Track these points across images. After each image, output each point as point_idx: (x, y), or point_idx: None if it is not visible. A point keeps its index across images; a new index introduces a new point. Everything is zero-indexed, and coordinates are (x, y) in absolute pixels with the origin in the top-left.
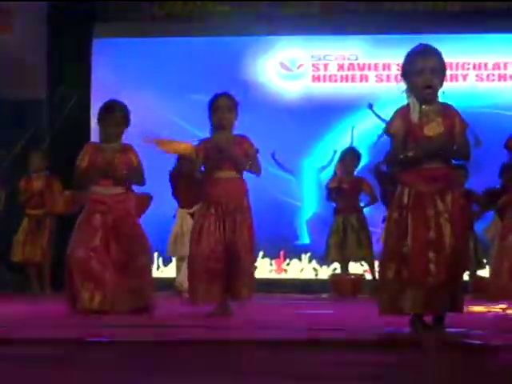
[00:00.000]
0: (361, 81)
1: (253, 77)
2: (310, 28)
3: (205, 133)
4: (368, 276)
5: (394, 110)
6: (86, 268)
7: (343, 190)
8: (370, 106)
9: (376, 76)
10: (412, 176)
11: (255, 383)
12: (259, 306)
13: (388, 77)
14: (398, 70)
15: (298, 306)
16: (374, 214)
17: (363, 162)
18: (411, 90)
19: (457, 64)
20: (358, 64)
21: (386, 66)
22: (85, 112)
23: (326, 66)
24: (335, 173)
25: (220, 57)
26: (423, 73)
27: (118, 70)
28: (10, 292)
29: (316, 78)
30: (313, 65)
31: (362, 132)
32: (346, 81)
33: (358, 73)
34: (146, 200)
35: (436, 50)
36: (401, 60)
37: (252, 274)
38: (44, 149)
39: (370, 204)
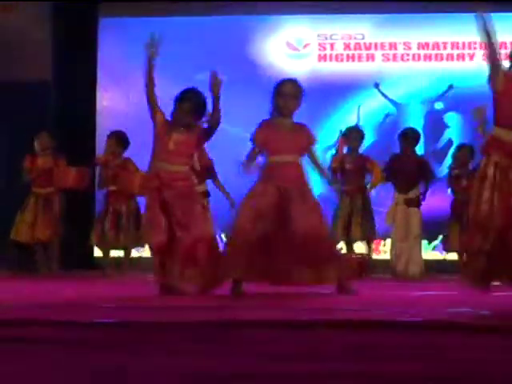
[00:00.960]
0: (367, 60)
1: (259, 56)
2: (317, 7)
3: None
4: (374, 256)
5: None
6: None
7: (347, 169)
8: (377, 86)
9: (382, 55)
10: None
11: (253, 363)
12: (261, 286)
13: (394, 56)
14: (405, 49)
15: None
16: (381, 193)
17: (369, 141)
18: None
19: (463, 43)
20: (365, 43)
21: (393, 46)
22: (91, 91)
23: (332, 45)
24: (336, 151)
25: (226, 36)
26: None
27: (123, 49)
28: (17, 272)
29: (322, 58)
30: (319, 44)
31: (369, 111)
32: (353, 60)
33: (364, 52)
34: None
35: None
36: (407, 39)
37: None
38: (47, 130)
39: (376, 184)
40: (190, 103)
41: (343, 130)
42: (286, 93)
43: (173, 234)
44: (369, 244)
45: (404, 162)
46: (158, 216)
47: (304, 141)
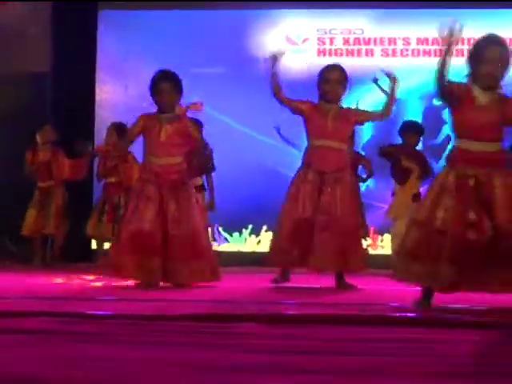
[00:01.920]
0: (366, 55)
1: (257, 51)
2: (316, 1)
3: (207, 104)
4: (371, 251)
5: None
6: (140, 239)
7: None
8: (376, 81)
9: (382, 50)
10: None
11: (253, 357)
12: (260, 279)
13: (394, 51)
14: (404, 44)
15: (300, 279)
16: (380, 189)
17: (367, 136)
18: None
19: (462, 39)
20: (364, 38)
21: (392, 41)
22: (90, 84)
23: (331, 39)
24: None
25: (224, 30)
26: (488, 62)
27: (122, 43)
28: (16, 264)
29: (321, 52)
30: (318, 39)
31: (367, 107)
32: (352, 55)
33: (363, 47)
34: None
35: (503, 40)
36: (406, 34)
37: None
38: (46, 122)
39: (366, 180)
40: (168, 82)
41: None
42: (332, 79)
43: (164, 233)
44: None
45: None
46: (146, 207)
47: (349, 128)
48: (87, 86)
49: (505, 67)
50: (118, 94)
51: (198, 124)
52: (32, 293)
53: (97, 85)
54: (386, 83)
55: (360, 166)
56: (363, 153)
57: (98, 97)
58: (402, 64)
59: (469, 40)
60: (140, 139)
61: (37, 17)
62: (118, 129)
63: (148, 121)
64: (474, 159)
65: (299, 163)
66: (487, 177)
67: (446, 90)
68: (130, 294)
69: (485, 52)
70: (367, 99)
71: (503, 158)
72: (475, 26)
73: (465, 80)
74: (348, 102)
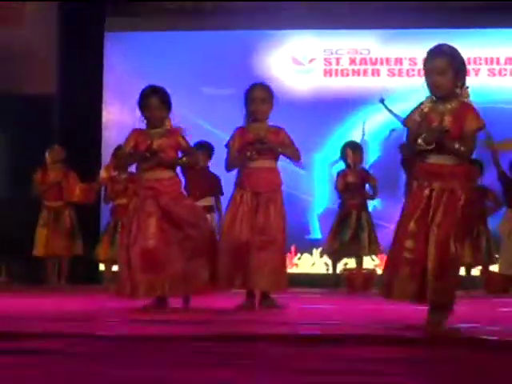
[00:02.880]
0: (373, 75)
1: (265, 71)
2: (322, 22)
3: (215, 126)
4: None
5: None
6: (147, 257)
7: (352, 184)
8: (382, 101)
9: (388, 70)
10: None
11: (266, 378)
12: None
13: (400, 71)
14: (410, 64)
15: (310, 300)
16: (387, 209)
17: (374, 157)
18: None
19: (468, 59)
20: (370, 58)
21: (398, 61)
22: (97, 106)
23: (338, 60)
24: (349, 166)
25: (232, 51)
26: (431, 73)
27: (129, 64)
28: (28, 285)
29: (328, 72)
30: (325, 59)
31: (374, 126)
32: (358, 75)
33: (370, 67)
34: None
35: (445, 49)
36: (413, 54)
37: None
38: (53, 143)
39: (373, 197)
40: (157, 97)
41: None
42: (256, 97)
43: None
44: (360, 260)
45: None
46: (149, 224)
47: (281, 142)
48: (94, 108)
49: (454, 75)
50: (124, 115)
51: (209, 148)
52: (46, 314)
53: (104, 106)
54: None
55: (367, 185)
56: (371, 171)
57: (104, 118)
58: (408, 84)
59: (475, 59)
60: None
61: (45, 39)
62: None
63: (139, 136)
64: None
65: (308, 184)
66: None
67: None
68: (141, 316)
69: (427, 63)
70: (373, 119)
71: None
72: (479, 44)
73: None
74: (354, 122)
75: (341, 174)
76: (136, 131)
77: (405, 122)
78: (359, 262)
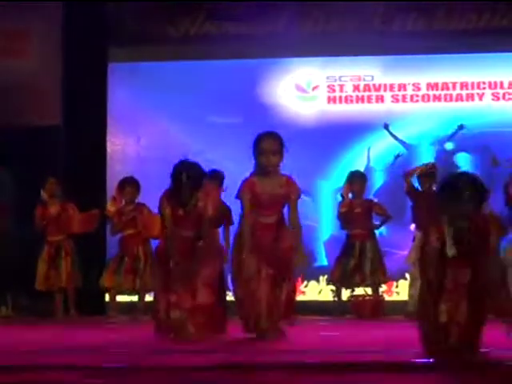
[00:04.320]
0: (377, 101)
1: (268, 98)
2: (325, 49)
3: (221, 155)
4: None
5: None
6: None
7: (356, 214)
8: (386, 127)
9: (392, 96)
10: None
11: None
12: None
13: (404, 97)
14: (414, 90)
15: (318, 328)
16: (393, 235)
17: (379, 183)
18: None
19: (472, 83)
20: (374, 85)
21: (402, 87)
22: (101, 137)
23: (341, 86)
24: (342, 197)
25: (235, 79)
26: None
27: (133, 94)
28: (34, 318)
29: (331, 99)
30: (328, 86)
31: (379, 153)
32: (362, 102)
33: (373, 93)
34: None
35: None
36: (417, 80)
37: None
38: (58, 175)
39: (385, 223)
40: (188, 175)
41: (348, 173)
42: (266, 150)
43: None
44: (375, 287)
45: None
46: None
47: (287, 197)
48: (99, 139)
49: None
50: (129, 146)
51: (220, 177)
52: (57, 347)
53: (108, 137)
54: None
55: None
56: (376, 199)
57: (109, 149)
58: (412, 109)
59: (478, 84)
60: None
61: (49, 71)
62: (137, 185)
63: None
64: None
65: (313, 211)
66: None
67: None
68: (147, 345)
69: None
70: (378, 145)
71: None
72: (482, 69)
73: None
74: (359, 148)
75: (341, 204)
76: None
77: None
78: (368, 290)
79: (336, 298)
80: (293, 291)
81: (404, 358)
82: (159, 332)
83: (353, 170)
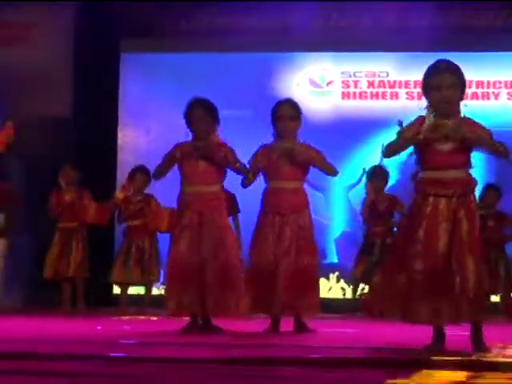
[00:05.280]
0: (391, 98)
1: (282, 93)
2: (340, 44)
3: (233, 147)
4: None
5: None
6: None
7: (378, 211)
8: (400, 124)
9: (407, 93)
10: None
11: None
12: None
13: (419, 94)
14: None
15: (328, 325)
16: None
17: (392, 180)
18: (430, 104)
19: (488, 82)
20: (389, 81)
21: (417, 84)
22: (112, 128)
23: (355, 82)
24: (367, 194)
25: (249, 73)
26: (439, 88)
27: (144, 86)
28: (43, 309)
29: (346, 95)
30: (342, 81)
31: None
32: (377, 98)
33: (388, 90)
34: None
35: (453, 65)
36: None
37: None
38: (74, 162)
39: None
40: (202, 109)
41: (366, 168)
42: (284, 115)
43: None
44: None
45: None
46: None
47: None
48: (109, 130)
49: (461, 91)
50: (140, 138)
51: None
52: (66, 337)
53: (119, 128)
54: None
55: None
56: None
57: (120, 140)
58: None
59: (494, 83)
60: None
61: (60, 61)
62: (147, 173)
63: (184, 148)
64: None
65: (325, 208)
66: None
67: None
68: (158, 337)
69: (433, 79)
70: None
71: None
72: (498, 67)
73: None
74: (372, 145)
75: (366, 202)
76: (180, 144)
77: (402, 130)
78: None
79: (352, 296)
80: None
81: (414, 356)
82: None
83: (372, 165)
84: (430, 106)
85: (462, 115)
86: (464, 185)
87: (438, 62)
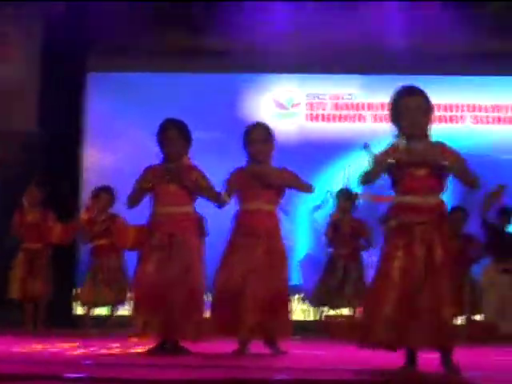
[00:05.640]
0: (356, 120)
1: (248, 115)
2: (306, 67)
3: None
4: None
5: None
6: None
7: (343, 233)
8: (366, 146)
9: (372, 116)
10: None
11: None
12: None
13: (385, 116)
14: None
15: (295, 346)
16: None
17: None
18: (399, 129)
19: (451, 105)
20: (354, 103)
21: (382, 106)
22: (77, 148)
23: (321, 104)
24: (330, 216)
25: (215, 94)
26: (407, 112)
27: (112, 106)
28: (4, 329)
29: (311, 117)
30: (308, 103)
31: (358, 172)
32: (342, 120)
33: (354, 112)
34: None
35: (420, 89)
36: None
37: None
38: (39, 182)
39: (366, 249)
40: (176, 130)
41: (331, 190)
42: (256, 139)
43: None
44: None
45: None
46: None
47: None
48: (74, 149)
49: (424, 114)
50: (106, 157)
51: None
52: (27, 358)
53: (84, 147)
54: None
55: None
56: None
57: (84, 160)
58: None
59: (458, 106)
60: None
61: (27, 78)
62: (112, 193)
63: (155, 172)
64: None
65: (289, 229)
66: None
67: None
68: (123, 358)
69: (402, 102)
70: (356, 165)
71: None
72: (462, 91)
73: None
74: (338, 167)
75: (331, 223)
76: (151, 167)
77: (375, 159)
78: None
79: (316, 318)
80: None
81: (388, 378)
82: None
83: (336, 188)
84: (399, 131)
85: (433, 139)
86: (438, 211)
87: (404, 86)
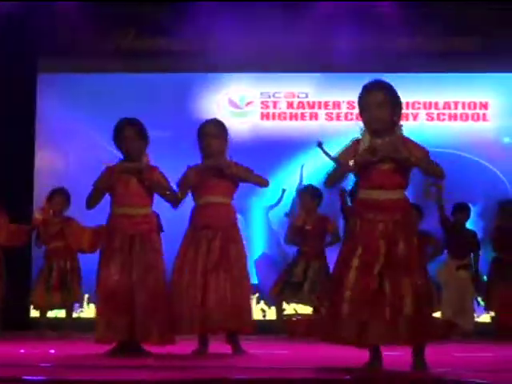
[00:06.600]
0: (311, 119)
1: (201, 113)
2: (260, 65)
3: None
4: None
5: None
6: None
7: (307, 231)
8: (320, 145)
9: (326, 114)
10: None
11: None
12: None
13: (338, 115)
14: (348, 108)
15: (255, 346)
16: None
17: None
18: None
19: (407, 103)
20: (308, 102)
21: (336, 105)
22: (29, 149)
23: (275, 103)
24: (290, 214)
25: (168, 93)
26: (369, 108)
27: (63, 107)
28: None
29: (265, 116)
30: (262, 102)
31: (312, 171)
32: (296, 119)
33: (307, 111)
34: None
35: (382, 84)
36: (351, 98)
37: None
38: None
39: (332, 244)
40: (133, 128)
41: (285, 188)
42: (208, 133)
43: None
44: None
45: None
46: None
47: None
48: (26, 151)
49: (391, 109)
50: (58, 159)
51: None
52: None
53: (36, 150)
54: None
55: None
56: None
57: (37, 162)
58: (346, 128)
59: (413, 104)
60: None
61: None
62: (66, 195)
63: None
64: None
65: (244, 229)
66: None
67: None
68: (83, 360)
69: (363, 98)
70: (311, 163)
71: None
72: (417, 89)
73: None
74: (292, 166)
75: (294, 221)
76: (110, 167)
77: (338, 156)
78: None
79: (276, 317)
80: None
81: (352, 375)
82: None
83: (290, 187)
84: (364, 127)
85: (399, 134)
86: (401, 207)
87: (369, 81)
